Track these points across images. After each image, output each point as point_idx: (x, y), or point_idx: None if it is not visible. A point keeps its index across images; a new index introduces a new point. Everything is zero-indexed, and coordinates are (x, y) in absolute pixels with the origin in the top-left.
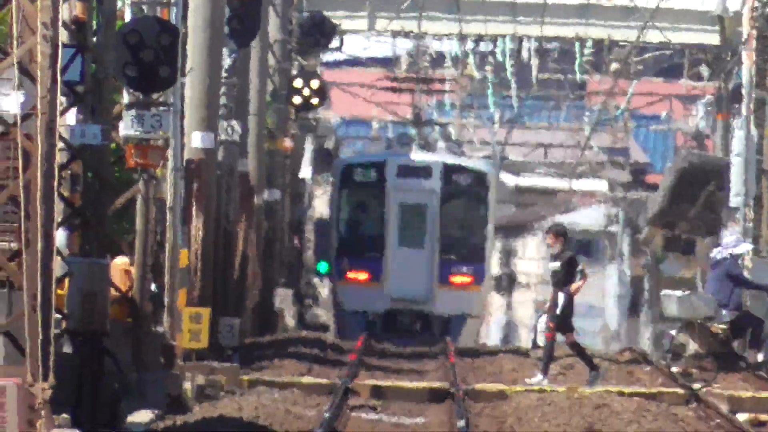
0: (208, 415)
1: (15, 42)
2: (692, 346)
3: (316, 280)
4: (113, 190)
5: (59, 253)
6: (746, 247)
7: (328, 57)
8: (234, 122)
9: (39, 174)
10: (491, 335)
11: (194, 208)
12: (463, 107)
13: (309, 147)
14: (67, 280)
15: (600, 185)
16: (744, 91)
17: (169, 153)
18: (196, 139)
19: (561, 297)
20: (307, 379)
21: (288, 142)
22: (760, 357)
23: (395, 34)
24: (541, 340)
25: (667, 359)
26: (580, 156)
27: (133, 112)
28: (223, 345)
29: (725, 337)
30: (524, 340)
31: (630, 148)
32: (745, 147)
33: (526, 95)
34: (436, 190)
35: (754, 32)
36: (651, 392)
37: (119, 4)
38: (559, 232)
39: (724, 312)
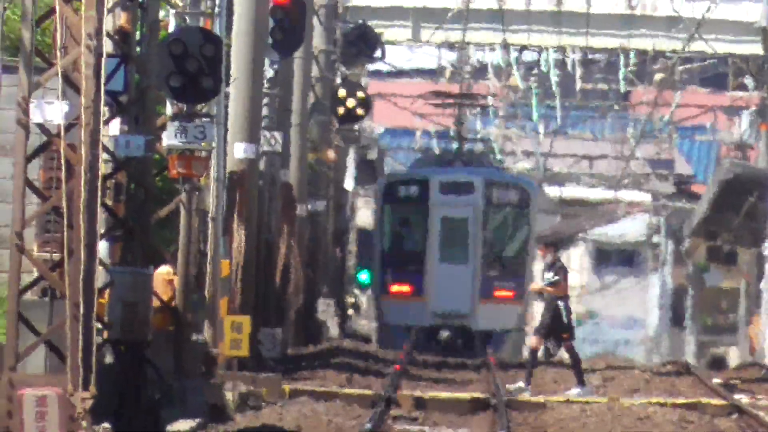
0: (249, 425)
1: (59, 52)
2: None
3: (357, 290)
4: (156, 200)
5: (101, 262)
6: None
7: (371, 67)
8: (276, 133)
9: (82, 184)
10: None
11: (236, 218)
12: (507, 117)
13: (352, 157)
14: (108, 290)
15: (643, 196)
16: None
17: (212, 163)
18: (239, 150)
19: (561, 305)
20: (348, 390)
21: (331, 153)
22: None
23: (439, 44)
24: (552, 349)
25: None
26: (624, 167)
27: (176, 122)
28: (264, 355)
29: None
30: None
31: (674, 159)
32: None
33: (569, 105)
34: (478, 206)
35: None
36: (692, 403)
37: (163, 14)
38: (550, 243)
39: None
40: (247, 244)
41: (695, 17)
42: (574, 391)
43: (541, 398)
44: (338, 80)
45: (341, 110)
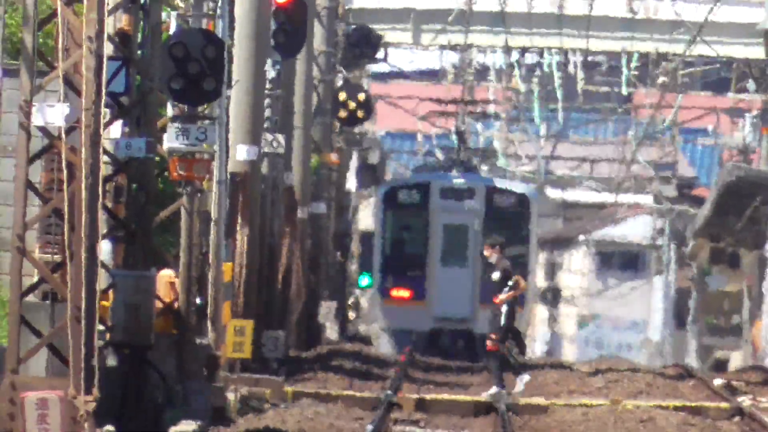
0: (251, 427)
1: (60, 55)
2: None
3: (359, 293)
4: (157, 202)
5: (103, 265)
6: None
7: (372, 69)
8: (278, 135)
9: (83, 186)
10: (535, 348)
11: (239, 221)
12: (509, 120)
13: (354, 160)
14: (111, 293)
15: (646, 199)
16: None
17: (214, 166)
18: (241, 152)
19: (504, 307)
20: (350, 392)
21: (333, 156)
22: None
23: (441, 47)
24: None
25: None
26: (626, 170)
27: (178, 124)
28: (267, 357)
29: None
30: (568, 353)
31: (677, 162)
32: None
33: (571, 108)
34: (478, 212)
35: None
36: (695, 406)
37: (165, 16)
38: (495, 244)
39: None
40: (250, 247)
41: (697, 20)
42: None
43: (543, 401)
44: (339, 83)
45: (343, 113)
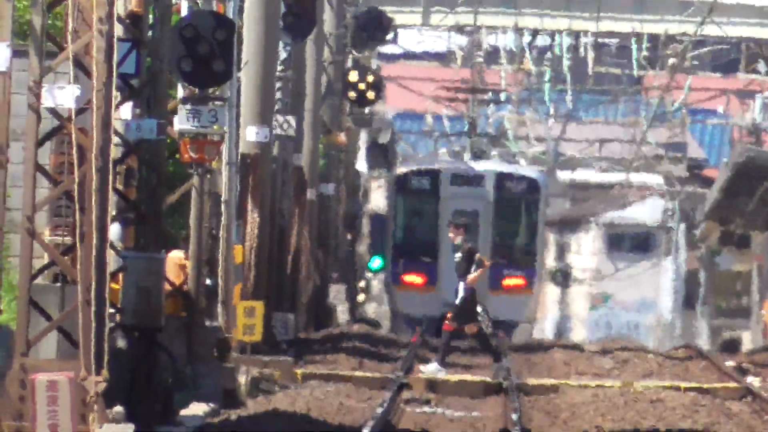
0: (261, 410)
1: (70, 36)
2: (746, 341)
3: (369, 275)
4: (168, 184)
5: (113, 247)
6: None
7: (382, 50)
8: (289, 117)
9: (93, 169)
10: (546, 330)
11: (249, 202)
12: (520, 102)
13: (364, 141)
14: (121, 275)
15: (656, 179)
16: None
17: (224, 147)
18: (251, 134)
19: (461, 287)
20: (360, 373)
21: (343, 137)
22: None
23: (450, 28)
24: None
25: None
26: (636, 151)
27: (188, 106)
28: (277, 339)
29: None
30: (578, 334)
31: (687, 143)
32: None
33: (581, 89)
34: (488, 198)
35: None
36: (705, 387)
37: None
38: (459, 224)
39: None
40: (260, 228)
41: (708, 1)
42: (431, 368)
43: (553, 381)
44: (349, 64)
45: (353, 94)
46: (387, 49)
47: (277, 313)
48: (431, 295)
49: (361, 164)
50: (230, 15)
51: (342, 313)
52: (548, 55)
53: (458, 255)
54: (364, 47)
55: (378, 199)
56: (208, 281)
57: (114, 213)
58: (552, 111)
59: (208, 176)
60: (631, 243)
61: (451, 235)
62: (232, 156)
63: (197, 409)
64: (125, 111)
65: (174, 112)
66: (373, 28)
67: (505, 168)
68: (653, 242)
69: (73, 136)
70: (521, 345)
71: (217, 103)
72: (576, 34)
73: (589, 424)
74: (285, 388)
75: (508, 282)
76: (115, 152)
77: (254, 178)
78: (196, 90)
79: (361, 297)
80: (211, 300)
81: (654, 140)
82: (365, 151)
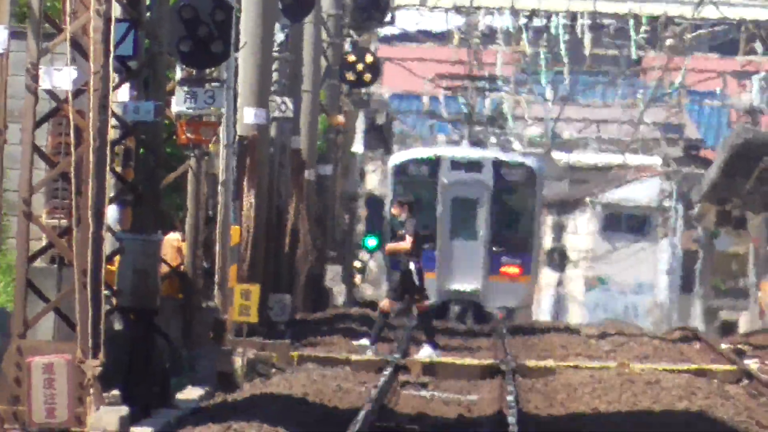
0: (258, 392)
1: (68, 17)
2: (742, 322)
3: (367, 256)
4: (165, 166)
5: (110, 229)
6: None
7: (381, 32)
8: (287, 99)
9: (91, 150)
10: (542, 311)
11: (246, 184)
12: (517, 83)
13: (361, 121)
14: (118, 257)
15: (653, 160)
16: None
17: (221, 129)
18: (249, 115)
19: (413, 267)
20: (357, 356)
21: (340, 118)
22: None
23: (448, 9)
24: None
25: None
26: (633, 132)
27: (185, 87)
28: (274, 321)
29: None
30: (575, 316)
31: (684, 124)
32: None
33: (578, 71)
34: (486, 185)
35: None
36: (702, 369)
37: None
38: (404, 202)
39: None
40: (258, 210)
41: None
42: (426, 352)
43: (550, 363)
44: (347, 45)
45: (350, 75)
46: (384, 30)
47: (274, 294)
48: (430, 281)
49: (358, 146)
50: None
51: (338, 294)
52: (545, 35)
53: (401, 232)
54: (362, 28)
55: (374, 180)
56: (204, 263)
57: (112, 195)
58: (549, 94)
59: (206, 158)
60: (628, 223)
61: (394, 212)
62: (230, 137)
63: (194, 392)
64: (123, 92)
65: (171, 93)
66: (372, 8)
67: (502, 156)
68: (650, 223)
69: (71, 117)
70: (519, 327)
71: (214, 84)
72: (573, 15)
73: (586, 405)
74: (281, 371)
75: (505, 268)
76: (112, 134)
77: (251, 159)
78: (193, 71)
79: (357, 279)
80: (208, 282)
81: (651, 121)
82: (363, 132)
